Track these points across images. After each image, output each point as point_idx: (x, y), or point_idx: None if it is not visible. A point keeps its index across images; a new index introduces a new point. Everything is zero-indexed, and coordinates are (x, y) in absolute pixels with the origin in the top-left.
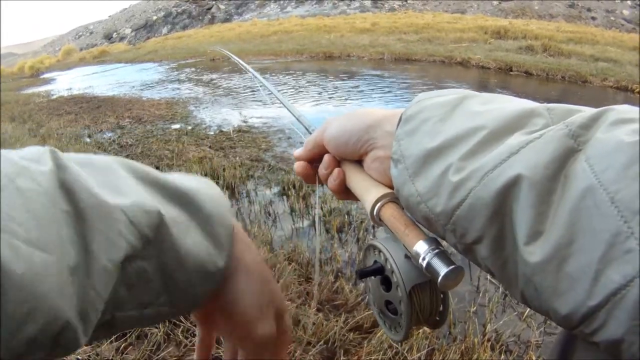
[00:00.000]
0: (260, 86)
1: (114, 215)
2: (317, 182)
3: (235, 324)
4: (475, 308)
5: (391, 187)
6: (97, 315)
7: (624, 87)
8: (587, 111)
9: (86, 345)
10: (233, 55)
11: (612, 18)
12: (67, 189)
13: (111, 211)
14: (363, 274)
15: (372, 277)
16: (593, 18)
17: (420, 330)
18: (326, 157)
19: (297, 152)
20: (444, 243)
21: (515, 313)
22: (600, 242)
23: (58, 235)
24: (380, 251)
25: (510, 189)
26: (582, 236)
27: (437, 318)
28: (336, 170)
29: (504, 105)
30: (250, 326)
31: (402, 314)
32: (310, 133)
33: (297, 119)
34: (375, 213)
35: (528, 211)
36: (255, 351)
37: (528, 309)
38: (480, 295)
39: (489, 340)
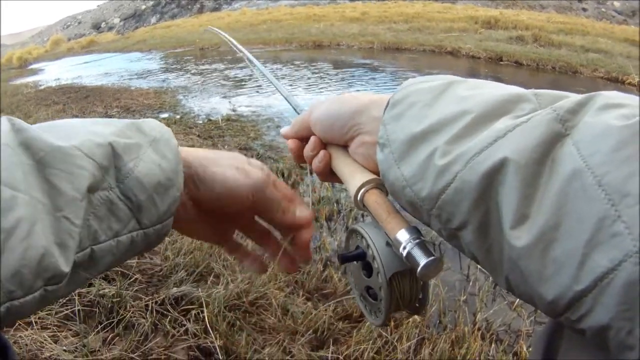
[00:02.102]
0: (252, 67)
1: (70, 153)
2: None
3: (233, 195)
4: (465, 297)
5: (376, 173)
6: (74, 242)
7: (614, 78)
8: (575, 96)
9: (75, 288)
10: (225, 34)
11: (603, 9)
12: (27, 146)
13: (67, 151)
14: (345, 259)
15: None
16: (584, 9)
17: (410, 319)
18: (312, 139)
19: (284, 130)
20: (429, 234)
21: (506, 302)
22: (587, 226)
23: (25, 180)
24: (362, 236)
25: (496, 172)
26: (568, 220)
27: (417, 305)
28: (322, 152)
29: (491, 90)
30: (243, 184)
31: (382, 300)
32: (298, 114)
33: (286, 99)
34: (359, 198)
35: (514, 195)
36: (261, 197)
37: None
38: (471, 284)
39: (479, 329)
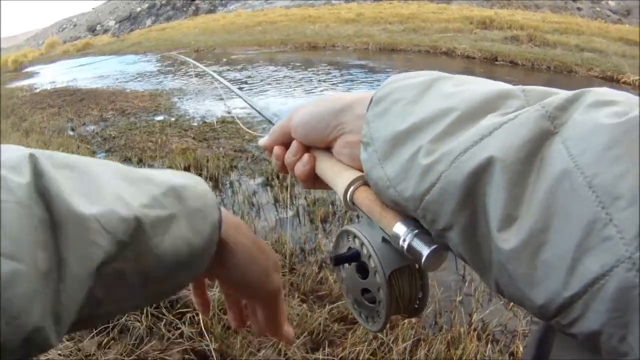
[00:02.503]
0: (220, 86)
1: (87, 225)
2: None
3: (248, 290)
4: (461, 297)
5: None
6: (70, 317)
7: (609, 77)
8: (564, 93)
9: (65, 336)
10: (189, 59)
11: (598, 9)
12: (44, 197)
13: (85, 221)
14: (339, 261)
15: (347, 264)
16: (579, 9)
17: (406, 320)
18: (294, 144)
19: (262, 140)
20: None
21: (502, 302)
22: (577, 229)
23: (30, 243)
24: (355, 236)
25: (482, 171)
26: (558, 222)
27: (416, 305)
28: (306, 155)
29: (478, 86)
30: (262, 287)
31: (381, 302)
32: (273, 124)
33: (259, 112)
34: (348, 197)
35: (501, 195)
36: (269, 303)
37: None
38: (467, 284)
39: (475, 329)
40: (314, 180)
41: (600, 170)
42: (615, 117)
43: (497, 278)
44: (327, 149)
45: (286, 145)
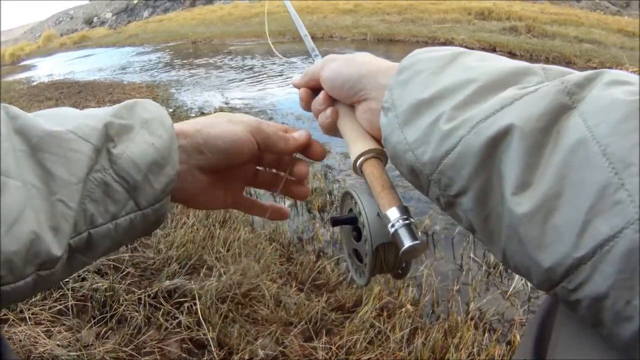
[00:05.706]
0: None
1: (64, 136)
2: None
3: (237, 144)
4: (458, 286)
5: (379, 139)
6: (69, 226)
7: (608, 69)
8: (582, 72)
9: (73, 272)
10: None
11: (597, 0)
12: (21, 132)
13: (61, 135)
14: (336, 223)
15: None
16: (577, 0)
17: (403, 309)
18: (322, 94)
19: (295, 79)
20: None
21: (499, 291)
22: (589, 194)
23: (17, 166)
24: (356, 202)
25: (501, 138)
26: (571, 188)
27: (400, 272)
28: (330, 109)
29: (499, 62)
30: (239, 129)
31: (367, 265)
32: (312, 58)
33: (302, 38)
34: (358, 165)
35: (518, 162)
36: (265, 131)
37: (512, 287)
38: (464, 273)
39: (472, 318)
40: (335, 131)
41: (615, 140)
42: (631, 95)
43: (505, 245)
44: (352, 105)
45: (315, 88)
